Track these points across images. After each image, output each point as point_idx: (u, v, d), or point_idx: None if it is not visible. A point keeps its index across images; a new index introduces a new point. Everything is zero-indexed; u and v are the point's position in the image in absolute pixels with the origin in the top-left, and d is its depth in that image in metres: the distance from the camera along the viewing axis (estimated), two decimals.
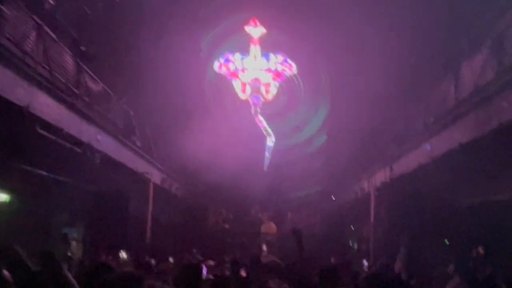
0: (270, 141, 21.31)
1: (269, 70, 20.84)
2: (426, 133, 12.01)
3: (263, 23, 20.23)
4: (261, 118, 21.51)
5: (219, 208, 21.60)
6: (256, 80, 20.91)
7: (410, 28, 13.61)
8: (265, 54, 20.74)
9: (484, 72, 9.23)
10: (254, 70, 20.80)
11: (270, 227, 20.29)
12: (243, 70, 20.62)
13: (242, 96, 21.16)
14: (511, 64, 8.33)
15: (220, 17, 19.98)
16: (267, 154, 21.33)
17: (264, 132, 21.30)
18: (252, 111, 21.25)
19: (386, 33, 14.59)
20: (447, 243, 13.56)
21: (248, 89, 21.05)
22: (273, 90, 21.29)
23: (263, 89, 21.23)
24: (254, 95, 21.02)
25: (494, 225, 10.51)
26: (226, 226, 20.71)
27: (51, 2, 11.55)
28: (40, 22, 9.50)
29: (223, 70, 20.87)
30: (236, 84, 21.43)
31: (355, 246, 18.70)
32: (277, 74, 21.07)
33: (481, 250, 10.43)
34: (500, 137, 8.48)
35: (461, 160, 10.06)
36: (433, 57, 12.16)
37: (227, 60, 20.81)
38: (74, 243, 13.37)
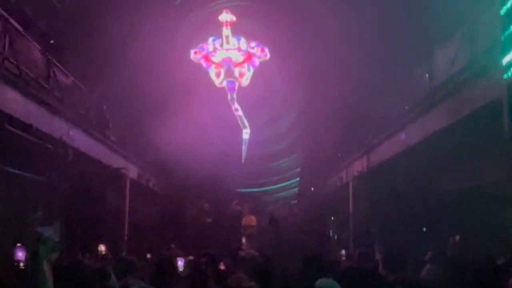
0: (246, 133, 21.18)
1: (239, 49, 20.77)
2: (401, 122, 12.16)
3: (236, 13, 20.18)
4: (237, 106, 21.35)
5: (201, 202, 21.49)
6: (228, 59, 20.72)
7: (384, 17, 13.69)
8: (237, 37, 20.64)
9: (457, 59, 9.37)
10: (225, 51, 20.73)
11: (250, 220, 20.31)
12: (214, 51, 20.47)
13: (217, 82, 20.97)
14: (483, 51, 8.47)
15: (195, 5, 19.71)
16: (243, 146, 21.21)
17: (240, 123, 21.17)
18: (228, 97, 21.09)
19: (359, 22, 14.63)
20: (425, 230, 13.84)
21: (222, 74, 20.86)
22: (248, 75, 21.11)
23: (237, 72, 21.06)
24: (228, 79, 20.80)
25: (471, 210, 10.76)
26: (208, 220, 20.63)
27: None
28: (5, 14, 9.22)
29: (197, 57, 20.64)
30: (211, 72, 21.25)
31: (335, 236, 18.92)
32: (248, 55, 20.97)
33: (457, 237, 10.70)
34: (473, 124, 8.65)
35: (435, 147, 10.24)
36: (407, 45, 12.26)
37: (201, 48, 20.59)
38: (49, 241, 13.14)
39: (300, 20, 18.81)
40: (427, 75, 10.80)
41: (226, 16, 19.83)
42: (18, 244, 6.33)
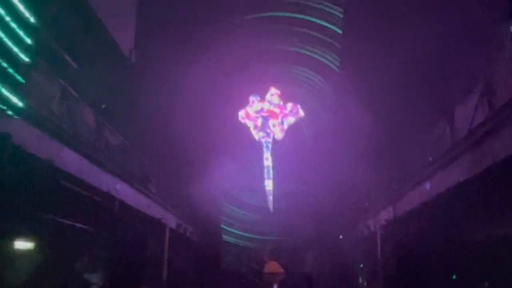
0: (268, 185, 21.26)
1: (271, 102, 21.66)
2: (425, 172, 11.90)
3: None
4: (268, 156, 21.58)
5: (234, 254, 21.37)
6: (261, 110, 21.56)
7: (408, 74, 13.81)
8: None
9: (476, 114, 9.26)
10: (260, 103, 21.68)
11: (275, 267, 19.76)
12: (252, 104, 21.49)
13: (255, 134, 21.60)
14: (501, 106, 8.35)
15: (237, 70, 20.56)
16: (269, 197, 21.18)
17: (265, 173, 21.27)
18: (263, 146, 21.53)
19: (385, 82, 14.78)
20: (454, 278, 13.13)
21: (259, 121, 21.60)
22: (280, 128, 21.65)
23: (271, 124, 21.68)
24: (264, 130, 21.50)
25: (499, 259, 10.21)
26: (243, 270, 20.34)
27: (74, 66, 11.96)
28: (64, 83, 9.81)
29: (242, 116, 21.64)
30: (250, 125, 21.94)
31: (365, 284, 18.12)
32: (280, 108, 21.78)
33: (486, 284, 10.11)
34: (496, 174, 8.39)
35: (461, 197, 9.91)
36: (428, 102, 12.26)
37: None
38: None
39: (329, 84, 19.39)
40: (448, 128, 10.65)
41: (272, 92, 21.39)
42: None
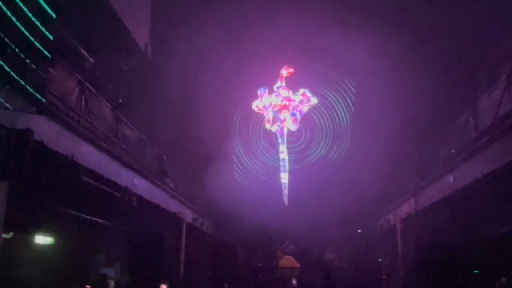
0: (283, 178, 21.21)
1: (278, 95, 21.58)
2: (448, 165, 11.74)
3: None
4: (282, 149, 21.53)
5: (250, 249, 21.49)
6: (270, 105, 21.53)
7: (431, 65, 13.63)
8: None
9: (501, 104, 9.08)
10: (268, 97, 21.66)
11: (290, 261, 19.84)
12: (261, 97, 21.45)
13: (268, 126, 21.56)
14: None
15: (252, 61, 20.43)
16: (284, 190, 21.15)
17: (281, 166, 21.25)
18: (279, 140, 21.50)
19: (408, 71, 14.60)
20: (477, 272, 12.98)
21: (270, 115, 21.57)
22: (293, 119, 21.57)
23: (282, 116, 21.59)
24: (278, 124, 21.48)
25: None
26: (260, 264, 20.46)
27: (91, 60, 12.09)
28: (82, 79, 9.92)
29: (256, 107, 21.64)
30: (268, 114, 21.99)
31: (384, 277, 18.01)
32: (288, 100, 21.67)
33: (503, 279, 9.97)
34: None
35: (485, 190, 9.76)
36: (452, 92, 12.07)
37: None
38: (112, 283, 13.36)
39: (346, 67, 19.11)
40: (472, 119, 10.46)
41: (284, 72, 21.22)
42: (87, 286, 6.38)
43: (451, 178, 11.34)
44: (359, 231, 20.64)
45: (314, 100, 21.55)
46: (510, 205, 10.04)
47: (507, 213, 10.36)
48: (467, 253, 12.49)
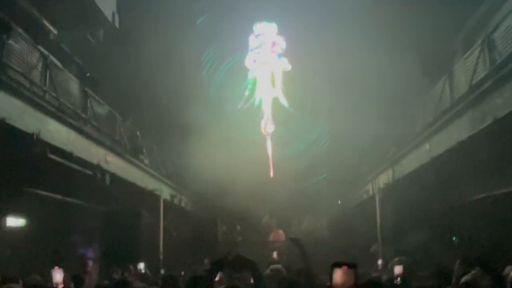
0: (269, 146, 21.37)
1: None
2: (424, 134, 11.95)
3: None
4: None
5: (231, 222, 21.61)
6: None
7: (403, 32, 13.64)
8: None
9: (477, 70, 9.21)
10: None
11: (278, 235, 20.16)
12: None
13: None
14: (502, 61, 8.30)
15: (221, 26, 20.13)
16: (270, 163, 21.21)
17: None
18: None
19: (379, 38, 14.59)
20: (455, 240, 13.45)
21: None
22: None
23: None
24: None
25: (498, 219, 10.42)
26: (239, 238, 20.69)
27: (55, 32, 11.66)
28: (45, 52, 9.60)
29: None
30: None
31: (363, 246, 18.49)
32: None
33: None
34: (497, 132, 8.44)
35: (461, 157, 10.00)
36: (428, 58, 12.15)
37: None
38: (90, 262, 13.37)
39: (322, 35, 19.00)
40: (448, 86, 10.61)
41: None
42: (56, 268, 6.30)
43: (427, 146, 11.57)
44: (339, 202, 21.02)
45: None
46: (483, 171, 10.35)
47: (481, 180, 10.69)
48: (444, 221, 12.91)
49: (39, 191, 10.89)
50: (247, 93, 21.77)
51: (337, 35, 17.56)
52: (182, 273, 11.79)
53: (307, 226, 21.00)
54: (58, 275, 6.39)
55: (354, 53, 16.20)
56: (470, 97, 9.23)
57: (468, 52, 9.74)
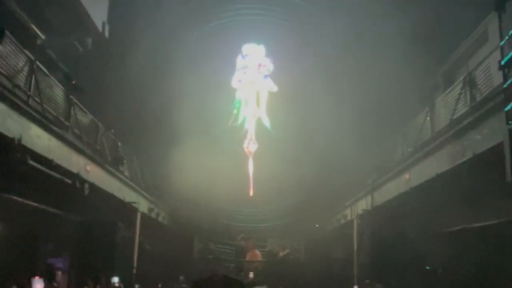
0: (251, 165, 21.49)
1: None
2: (405, 163, 12.20)
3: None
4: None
5: (205, 240, 21.47)
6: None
7: (387, 62, 14.01)
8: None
9: (458, 106, 9.51)
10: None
11: (255, 255, 20.07)
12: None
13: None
14: (482, 99, 8.61)
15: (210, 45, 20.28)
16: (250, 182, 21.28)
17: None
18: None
19: (364, 67, 14.95)
20: (428, 268, 13.61)
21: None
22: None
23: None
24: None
25: (473, 250, 10.63)
26: (210, 256, 20.55)
27: (43, 37, 11.57)
28: (32, 57, 9.51)
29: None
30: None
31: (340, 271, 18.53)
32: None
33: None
34: (475, 168, 8.67)
35: (439, 189, 10.22)
36: (410, 91, 12.50)
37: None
38: (59, 273, 13.01)
39: (305, 65, 19.35)
40: (429, 119, 10.90)
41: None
42: (36, 277, 6.13)
43: (407, 176, 11.80)
44: (316, 225, 21.07)
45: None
46: (461, 204, 10.58)
47: (458, 212, 10.92)
48: (419, 249, 13.08)
49: (14, 197, 10.62)
50: (235, 111, 21.94)
51: (324, 62, 17.93)
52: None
53: (283, 249, 20.92)
54: (38, 285, 6.25)
55: (339, 80, 16.54)
56: (451, 131, 9.50)
57: (450, 88, 10.06)
